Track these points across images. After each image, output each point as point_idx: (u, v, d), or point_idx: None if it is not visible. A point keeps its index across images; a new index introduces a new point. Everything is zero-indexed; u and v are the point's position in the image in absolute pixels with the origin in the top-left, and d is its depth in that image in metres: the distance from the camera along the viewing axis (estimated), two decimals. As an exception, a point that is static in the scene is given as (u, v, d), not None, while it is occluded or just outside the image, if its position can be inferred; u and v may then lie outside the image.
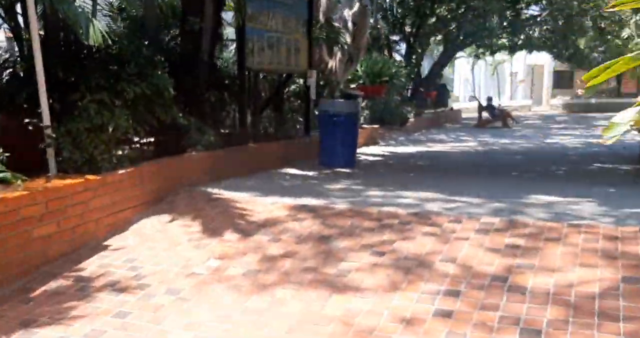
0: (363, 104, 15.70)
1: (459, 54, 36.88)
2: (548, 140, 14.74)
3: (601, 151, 11.96)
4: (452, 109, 26.28)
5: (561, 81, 35.59)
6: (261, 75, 9.33)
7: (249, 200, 5.76)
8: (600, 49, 28.91)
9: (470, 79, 42.40)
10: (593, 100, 30.28)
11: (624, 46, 22.01)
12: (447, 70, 46.59)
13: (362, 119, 15.39)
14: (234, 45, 9.20)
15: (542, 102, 34.64)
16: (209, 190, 6.13)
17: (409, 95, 22.10)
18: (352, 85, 15.83)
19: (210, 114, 7.28)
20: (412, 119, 16.81)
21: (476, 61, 34.27)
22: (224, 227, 4.99)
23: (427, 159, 10.32)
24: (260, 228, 4.95)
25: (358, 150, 9.37)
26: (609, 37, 22.72)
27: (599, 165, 9.23)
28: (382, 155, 10.88)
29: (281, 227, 4.96)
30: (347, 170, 8.27)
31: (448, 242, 4.51)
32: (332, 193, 6.31)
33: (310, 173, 7.88)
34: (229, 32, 11.18)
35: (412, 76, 23.59)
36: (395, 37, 23.99)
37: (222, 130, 7.76)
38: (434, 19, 21.76)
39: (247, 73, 8.14)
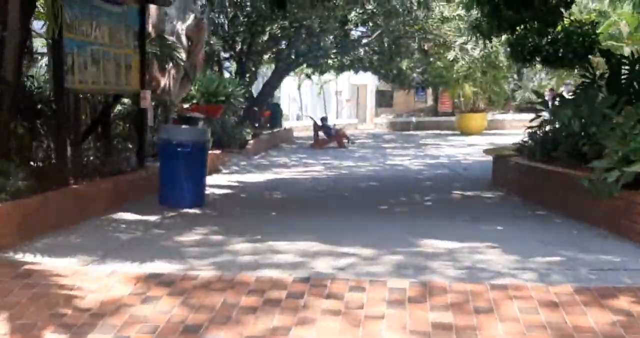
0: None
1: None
2: (390, 162, 14.53)
3: (446, 174, 11.87)
4: (285, 128, 25.74)
5: (383, 100, 36.90)
6: (82, 96, 7.65)
7: (76, 271, 4.26)
8: (418, 70, 30.35)
9: (297, 98, 42.57)
10: (413, 119, 31.64)
11: (447, 68, 23.07)
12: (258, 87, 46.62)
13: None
14: (46, 61, 7.47)
15: (367, 121, 35.59)
16: (18, 257, 4.51)
17: (242, 115, 21.11)
18: (186, 105, 14.40)
19: (17, 149, 5.57)
20: (251, 141, 15.76)
21: (303, 80, 34.29)
22: (42, 324, 3.46)
23: (282, 191, 9.27)
24: (96, 321, 3.50)
25: (202, 182, 8.08)
26: (431, 59, 23.66)
27: (459, 192, 8.86)
28: (231, 187, 9.66)
29: (127, 315, 3.57)
30: (197, 211, 6.95)
31: (359, 323, 3.46)
32: (187, 250, 4.99)
33: (152, 218, 6.43)
34: (39, 44, 9.32)
35: (246, 95, 22.65)
36: (226, 54, 22.92)
37: (35, 168, 6.04)
38: (266, 37, 21.03)
39: (66, 95, 6.49)
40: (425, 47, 23.04)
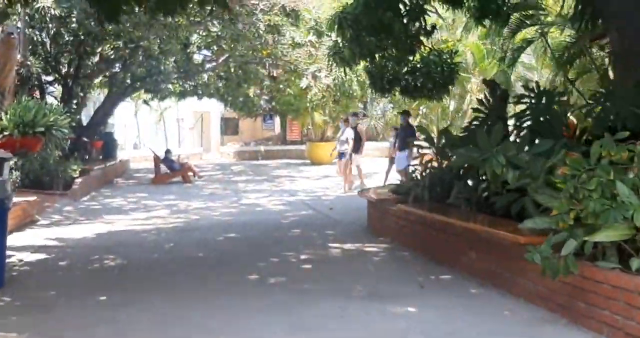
0: (11, 163, 11.76)
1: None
2: (245, 201, 12.93)
3: (312, 216, 10.53)
4: (121, 160, 23.12)
5: (229, 128, 35.28)
6: None
7: None
8: (265, 97, 29.21)
9: (134, 125, 39.52)
10: (262, 148, 30.37)
11: (298, 96, 22.04)
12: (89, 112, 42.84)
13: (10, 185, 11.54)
14: None
15: (213, 150, 33.70)
16: None
17: (68, 147, 18.37)
18: None
19: None
20: (78, 179, 13.33)
21: (140, 106, 31.71)
22: None
23: (117, 253, 7.20)
24: None
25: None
26: (281, 86, 22.55)
27: (338, 245, 7.47)
28: (48, 249, 7.46)
29: None
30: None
31: None
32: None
33: None
34: None
35: (73, 124, 19.87)
36: (48, 78, 20.01)
37: None
38: (96, 58, 18.57)
39: None
40: (275, 74, 21.90)
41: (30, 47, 15.92)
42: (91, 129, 20.40)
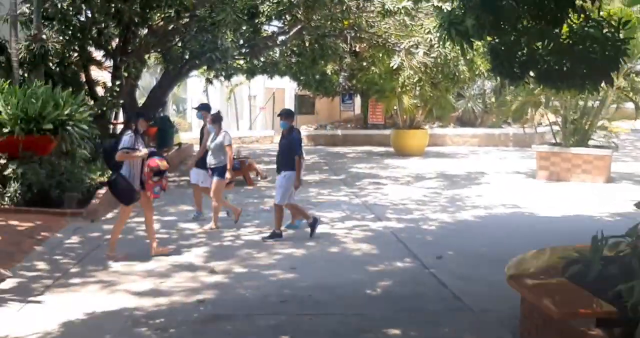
0: (9, 171, 8.86)
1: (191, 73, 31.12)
2: (317, 230, 9.47)
3: (419, 279, 6.89)
4: (179, 145, 20.19)
5: (304, 107, 31.88)
6: None
7: None
8: (344, 73, 25.52)
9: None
10: (339, 132, 26.81)
11: (384, 75, 18.25)
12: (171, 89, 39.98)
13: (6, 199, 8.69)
14: None
15: (285, 132, 30.43)
16: None
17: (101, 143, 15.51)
18: None
19: None
20: (101, 191, 10.23)
21: (208, 84, 28.71)
22: None
23: None
24: None
25: None
26: (364, 63, 18.79)
27: None
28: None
29: None
30: None
31: None
32: None
33: None
34: None
35: (124, 108, 17.03)
36: (99, 53, 17.16)
37: None
38: (145, 31, 15.47)
39: None
40: (357, 49, 18.14)
41: (58, 15, 12.93)
42: (142, 114, 17.41)
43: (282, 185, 8.69)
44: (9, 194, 9.05)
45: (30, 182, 9.12)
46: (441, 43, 10.04)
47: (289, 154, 8.64)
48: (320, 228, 9.09)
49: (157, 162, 7.52)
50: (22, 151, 9.43)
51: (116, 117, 18.29)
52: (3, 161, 9.29)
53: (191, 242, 8.43)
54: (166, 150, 16.97)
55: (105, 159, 7.94)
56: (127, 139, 7.39)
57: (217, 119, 9.39)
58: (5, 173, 9.14)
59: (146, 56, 16.44)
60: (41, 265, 6.92)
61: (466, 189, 13.55)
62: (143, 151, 7.38)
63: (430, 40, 13.38)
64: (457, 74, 14.41)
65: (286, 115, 9.08)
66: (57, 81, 13.25)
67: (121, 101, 14.67)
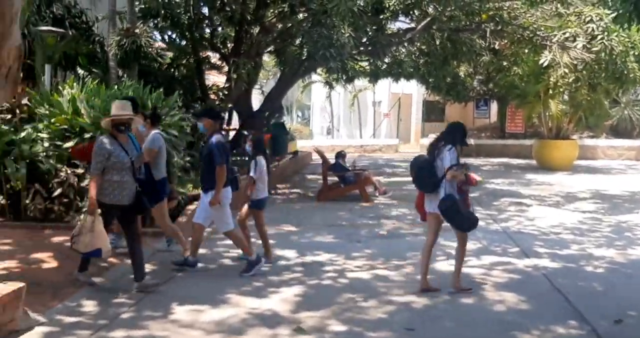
0: (87, 183, 7.70)
1: (315, 77, 29.96)
2: (439, 268, 7.39)
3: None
4: (295, 154, 18.82)
5: (432, 114, 29.58)
6: None
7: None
8: (479, 77, 22.98)
9: (328, 109, 35.62)
10: (472, 141, 24.24)
11: (529, 76, 15.70)
12: (291, 95, 39.06)
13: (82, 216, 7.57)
14: None
15: (411, 140, 28.35)
16: None
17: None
18: (69, 144, 7.81)
19: None
20: (192, 206, 8.85)
21: (329, 89, 27.27)
22: None
23: None
24: None
25: None
26: (505, 63, 16.31)
27: None
28: None
29: None
30: None
31: None
32: None
33: None
34: None
35: (239, 114, 15.95)
36: (212, 54, 16.25)
37: None
38: (257, 29, 14.17)
39: None
40: (497, 46, 15.73)
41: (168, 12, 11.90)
42: (257, 119, 16.22)
43: (208, 209, 6.71)
44: (85, 209, 7.87)
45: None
46: (616, 28, 7.61)
47: (210, 166, 6.61)
48: (450, 267, 7.04)
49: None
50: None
51: (229, 123, 17.26)
52: (81, 170, 8.15)
53: (282, 278, 6.71)
54: (278, 159, 15.57)
55: (422, 179, 6.23)
56: (451, 154, 5.97)
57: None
58: (83, 184, 7.99)
59: (259, 57, 15.15)
60: (89, 306, 5.48)
61: (633, 215, 10.83)
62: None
63: (592, 30, 10.83)
64: (625, 72, 11.59)
65: (203, 114, 7.15)
66: (161, 83, 12.29)
67: (229, 105, 13.46)
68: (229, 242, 8.23)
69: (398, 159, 22.81)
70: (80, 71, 10.97)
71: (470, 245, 8.33)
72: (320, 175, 13.75)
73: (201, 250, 7.72)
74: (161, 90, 9.05)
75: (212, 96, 14.56)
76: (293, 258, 7.55)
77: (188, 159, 10.50)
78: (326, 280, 6.67)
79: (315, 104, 38.39)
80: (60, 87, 8.68)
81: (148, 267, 6.90)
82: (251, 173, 7.26)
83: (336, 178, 12.92)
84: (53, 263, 6.76)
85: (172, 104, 8.94)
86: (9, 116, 8.62)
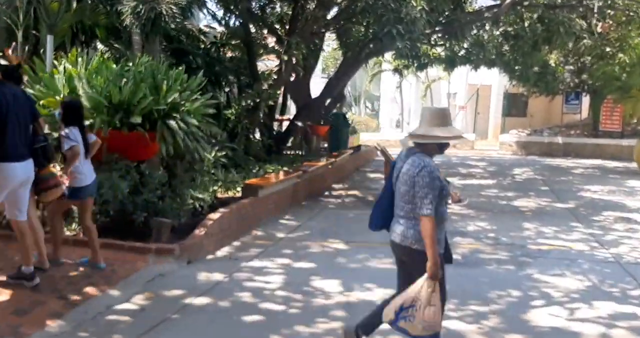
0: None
1: (384, 66, 27.81)
2: (537, 319, 5.30)
3: None
4: (358, 148, 16.83)
5: (514, 108, 26.92)
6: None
7: None
8: (570, 67, 20.24)
9: (398, 100, 33.38)
10: (559, 140, 21.56)
11: (632, 68, 13.10)
12: (360, 85, 36.81)
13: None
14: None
15: (489, 136, 25.80)
16: None
17: (270, 138, 12.61)
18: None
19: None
20: (214, 215, 7.04)
21: (402, 78, 25.11)
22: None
23: None
24: None
25: None
26: (608, 49, 13.73)
27: None
28: None
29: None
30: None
31: None
32: None
33: None
34: None
35: (296, 102, 14.16)
36: (266, 35, 14.49)
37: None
38: (314, 4, 12.24)
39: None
40: (600, 28, 13.17)
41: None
42: (313, 109, 14.39)
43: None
44: (77, 216, 6.23)
45: (105, 199, 6.20)
46: None
47: None
48: (552, 319, 4.94)
49: None
50: (107, 153, 6.58)
51: (282, 112, 15.50)
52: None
53: (314, 329, 4.80)
54: (335, 155, 13.67)
55: None
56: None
57: None
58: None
59: (317, 37, 13.26)
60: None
61: None
62: None
63: None
64: None
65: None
66: (202, 65, 10.62)
67: (278, 92, 11.67)
68: (256, 265, 6.44)
69: (474, 157, 20.43)
70: (100, 46, 9.47)
71: (573, 282, 6.20)
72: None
73: (217, 276, 5.95)
74: (181, 68, 7.27)
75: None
76: (334, 294, 5.61)
77: (222, 153, 8.77)
78: (376, 336, 4.71)
79: (385, 95, 36.15)
80: (56, 62, 7.05)
81: (139, 299, 5.15)
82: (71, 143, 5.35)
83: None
84: None
85: (195, 86, 7.16)
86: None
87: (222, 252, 6.85)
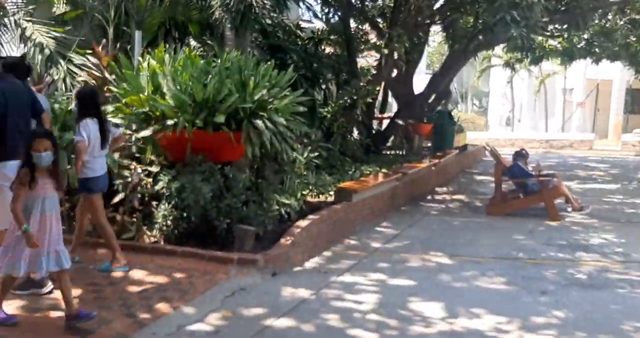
0: (160, 186, 5.73)
1: (494, 61, 26.28)
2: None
3: None
4: (464, 148, 15.78)
5: (637, 105, 24.57)
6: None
7: None
8: None
9: (508, 96, 31.59)
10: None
11: None
12: (467, 80, 34.98)
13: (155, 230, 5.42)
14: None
15: (609, 136, 23.67)
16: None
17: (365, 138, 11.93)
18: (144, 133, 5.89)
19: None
20: (301, 222, 6.45)
21: (514, 72, 23.58)
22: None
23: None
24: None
25: None
26: None
27: None
28: None
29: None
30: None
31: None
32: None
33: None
34: None
35: (397, 98, 13.39)
36: (367, 30, 13.81)
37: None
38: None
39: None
40: None
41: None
42: (415, 106, 13.55)
43: None
44: (157, 222, 5.84)
45: (186, 204, 5.77)
46: None
47: None
48: None
49: None
50: (190, 154, 6.16)
51: (382, 110, 14.74)
52: (155, 168, 6.12)
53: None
54: (439, 155, 12.75)
55: None
56: None
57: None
58: (157, 187, 5.96)
59: (420, 29, 12.40)
60: None
61: None
62: None
63: None
64: None
65: None
66: (296, 62, 10.12)
67: (377, 88, 10.95)
68: (347, 280, 5.78)
69: (594, 158, 18.69)
70: (193, 43, 9.17)
71: None
72: (492, 176, 10.74)
73: (302, 292, 5.35)
74: (270, 63, 6.73)
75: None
76: (436, 321, 4.83)
77: (315, 154, 8.20)
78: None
79: (494, 91, 34.34)
80: (140, 59, 6.73)
81: (215, 319, 4.64)
82: (80, 138, 5.02)
83: (513, 186, 9.85)
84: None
85: (285, 82, 6.59)
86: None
87: (311, 263, 6.24)
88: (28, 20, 7.70)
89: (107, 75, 6.92)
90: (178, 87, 6.19)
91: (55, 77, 7.30)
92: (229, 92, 6.06)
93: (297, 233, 6.18)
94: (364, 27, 13.62)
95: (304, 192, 7.13)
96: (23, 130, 4.55)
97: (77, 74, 7.40)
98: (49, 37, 7.57)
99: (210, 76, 6.21)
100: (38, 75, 7.40)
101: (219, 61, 6.56)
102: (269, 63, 6.69)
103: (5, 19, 7.68)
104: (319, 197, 7.67)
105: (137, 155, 6.41)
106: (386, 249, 7.07)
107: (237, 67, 6.39)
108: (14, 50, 7.96)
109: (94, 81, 7.23)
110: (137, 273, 5.34)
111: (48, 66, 7.43)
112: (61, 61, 7.40)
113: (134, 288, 4.98)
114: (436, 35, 18.24)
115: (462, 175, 14.31)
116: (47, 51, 7.39)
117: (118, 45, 7.83)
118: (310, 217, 6.65)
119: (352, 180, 8.62)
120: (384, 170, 10.12)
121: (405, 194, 9.81)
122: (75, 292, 4.75)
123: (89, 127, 5.05)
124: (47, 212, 3.99)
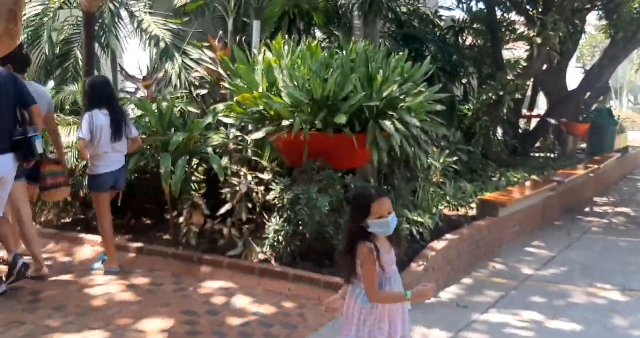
0: (273, 195, 4.97)
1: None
2: None
3: None
4: (625, 151, 13.80)
5: None
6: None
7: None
8: None
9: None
10: None
11: None
12: (622, 74, 31.24)
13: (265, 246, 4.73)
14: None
15: None
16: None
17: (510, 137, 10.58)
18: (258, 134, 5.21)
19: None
20: (447, 238, 5.41)
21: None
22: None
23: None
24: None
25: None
26: None
27: None
28: None
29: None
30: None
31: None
32: None
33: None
34: None
35: (548, 95, 11.88)
36: (514, 19, 12.39)
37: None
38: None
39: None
40: None
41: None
42: (570, 103, 11.90)
43: None
44: (268, 237, 5.08)
45: (300, 218, 4.94)
46: None
47: None
48: None
49: None
50: (307, 161, 5.33)
51: (531, 108, 13.18)
52: (267, 176, 5.35)
53: None
54: (598, 159, 11.04)
55: None
56: None
57: None
58: (269, 197, 5.19)
59: (578, 17, 10.78)
60: None
61: None
62: None
63: None
64: None
65: None
66: (434, 53, 9.06)
67: (527, 83, 9.55)
68: (493, 319, 4.66)
69: None
70: (319, 34, 8.38)
71: None
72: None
73: (436, 334, 4.33)
74: (402, 54, 5.71)
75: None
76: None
77: (453, 158, 7.10)
78: None
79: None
80: (255, 51, 6.01)
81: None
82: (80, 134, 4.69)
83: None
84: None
85: (419, 75, 5.56)
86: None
87: (447, 293, 5.17)
88: (146, 12, 7.31)
89: (221, 70, 6.28)
90: (295, 83, 5.38)
91: (170, 72, 6.82)
92: (353, 88, 5.15)
93: (431, 257, 5.15)
94: (509, 15, 12.18)
95: (439, 207, 6.05)
96: (6, 125, 4.13)
97: (192, 68, 6.89)
98: (166, 29, 7.14)
99: (331, 70, 5.33)
100: (152, 69, 6.99)
101: (344, 53, 5.67)
102: (400, 54, 5.68)
103: (122, 11, 7.34)
104: (457, 210, 6.56)
105: (254, 159, 5.72)
106: (540, 277, 5.82)
107: (364, 58, 5.45)
108: (128, 43, 7.64)
109: (209, 76, 6.65)
110: (241, 300, 4.60)
111: (163, 60, 6.98)
112: (176, 54, 6.92)
113: (234, 321, 4.22)
114: (590, 24, 16.20)
115: (623, 182, 12.41)
116: (162, 44, 6.95)
117: (238, 39, 7.21)
118: (448, 236, 5.58)
119: (498, 190, 7.39)
120: (533, 176, 8.75)
121: (559, 206, 8.38)
122: (168, 322, 4.09)
123: (94, 120, 4.68)
124: None
